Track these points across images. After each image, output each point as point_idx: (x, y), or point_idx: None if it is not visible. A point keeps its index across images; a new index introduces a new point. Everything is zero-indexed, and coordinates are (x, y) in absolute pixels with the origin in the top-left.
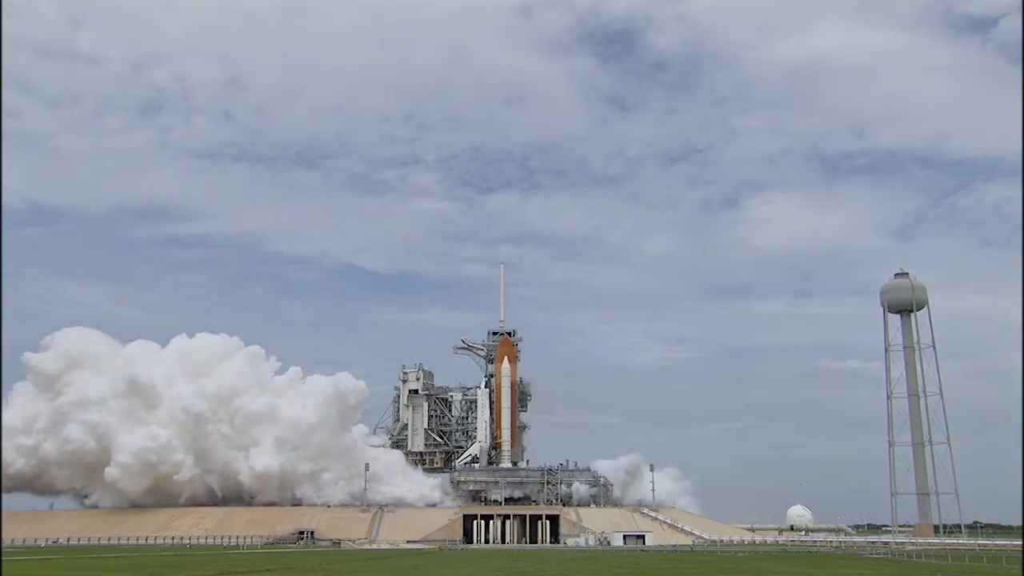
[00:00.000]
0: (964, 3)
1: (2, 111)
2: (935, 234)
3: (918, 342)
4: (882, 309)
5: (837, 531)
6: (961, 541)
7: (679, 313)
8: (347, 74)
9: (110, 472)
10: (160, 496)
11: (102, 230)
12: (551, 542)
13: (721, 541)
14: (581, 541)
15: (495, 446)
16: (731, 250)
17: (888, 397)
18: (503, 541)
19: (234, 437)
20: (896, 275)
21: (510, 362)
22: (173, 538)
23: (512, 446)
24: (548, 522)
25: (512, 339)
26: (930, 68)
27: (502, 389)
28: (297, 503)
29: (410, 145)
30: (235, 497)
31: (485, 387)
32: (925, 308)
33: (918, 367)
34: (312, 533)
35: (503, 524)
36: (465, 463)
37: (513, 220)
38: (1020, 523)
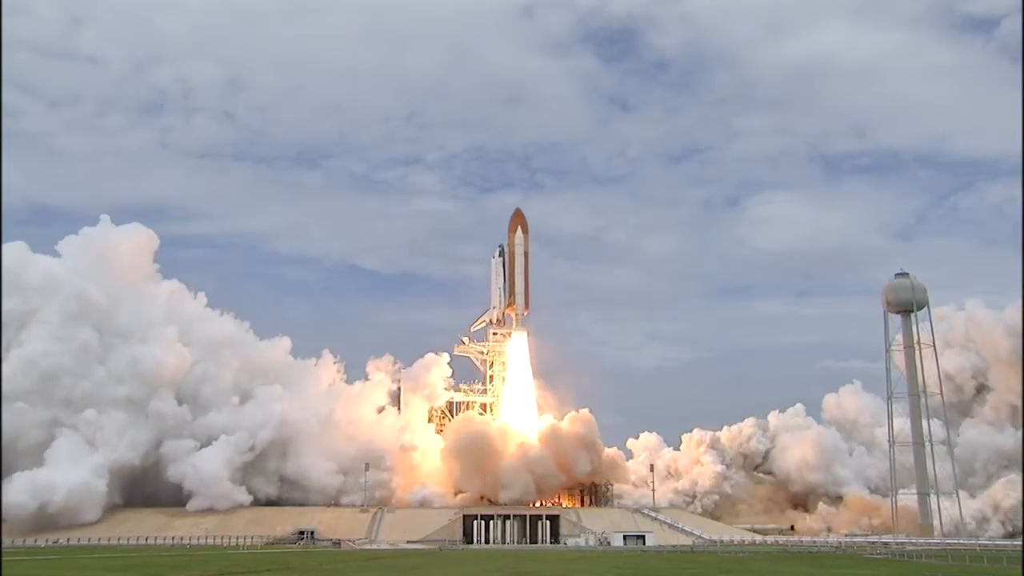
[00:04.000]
0: (966, 3)
1: (2, 111)
2: (936, 234)
3: (918, 342)
4: (883, 309)
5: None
6: (961, 541)
7: (681, 313)
8: (348, 74)
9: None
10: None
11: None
12: (551, 542)
13: (721, 541)
14: (581, 541)
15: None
16: (733, 250)
17: (888, 397)
18: (503, 541)
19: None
20: (897, 275)
21: (523, 232)
22: (173, 538)
23: (525, 310)
24: (548, 522)
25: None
26: (932, 68)
27: (515, 257)
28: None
29: (411, 145)
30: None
31: (499, 256)
32: (925, 308)
33: (918, 367)
34: (312, 533)
35: (503, 524)
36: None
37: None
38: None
